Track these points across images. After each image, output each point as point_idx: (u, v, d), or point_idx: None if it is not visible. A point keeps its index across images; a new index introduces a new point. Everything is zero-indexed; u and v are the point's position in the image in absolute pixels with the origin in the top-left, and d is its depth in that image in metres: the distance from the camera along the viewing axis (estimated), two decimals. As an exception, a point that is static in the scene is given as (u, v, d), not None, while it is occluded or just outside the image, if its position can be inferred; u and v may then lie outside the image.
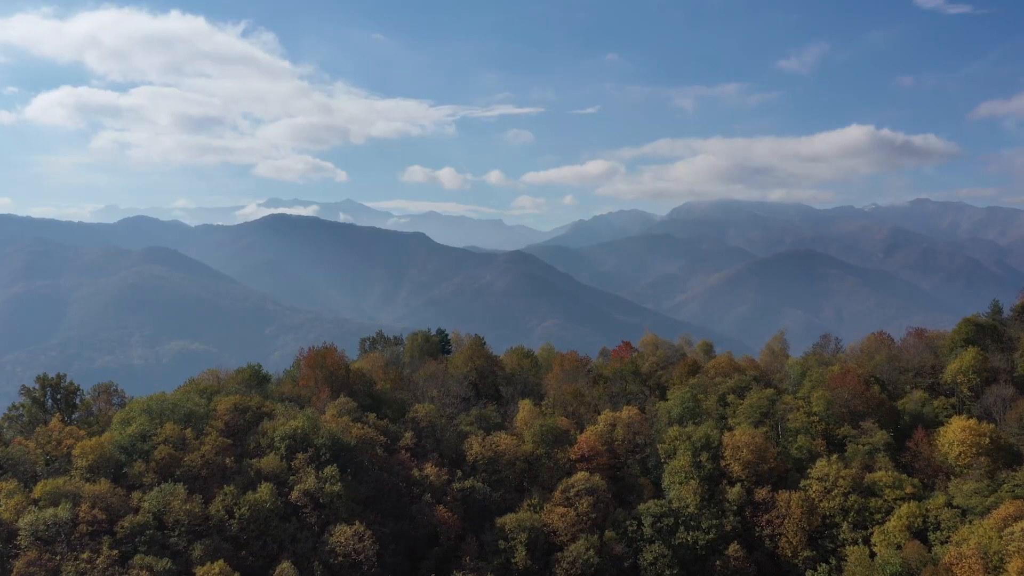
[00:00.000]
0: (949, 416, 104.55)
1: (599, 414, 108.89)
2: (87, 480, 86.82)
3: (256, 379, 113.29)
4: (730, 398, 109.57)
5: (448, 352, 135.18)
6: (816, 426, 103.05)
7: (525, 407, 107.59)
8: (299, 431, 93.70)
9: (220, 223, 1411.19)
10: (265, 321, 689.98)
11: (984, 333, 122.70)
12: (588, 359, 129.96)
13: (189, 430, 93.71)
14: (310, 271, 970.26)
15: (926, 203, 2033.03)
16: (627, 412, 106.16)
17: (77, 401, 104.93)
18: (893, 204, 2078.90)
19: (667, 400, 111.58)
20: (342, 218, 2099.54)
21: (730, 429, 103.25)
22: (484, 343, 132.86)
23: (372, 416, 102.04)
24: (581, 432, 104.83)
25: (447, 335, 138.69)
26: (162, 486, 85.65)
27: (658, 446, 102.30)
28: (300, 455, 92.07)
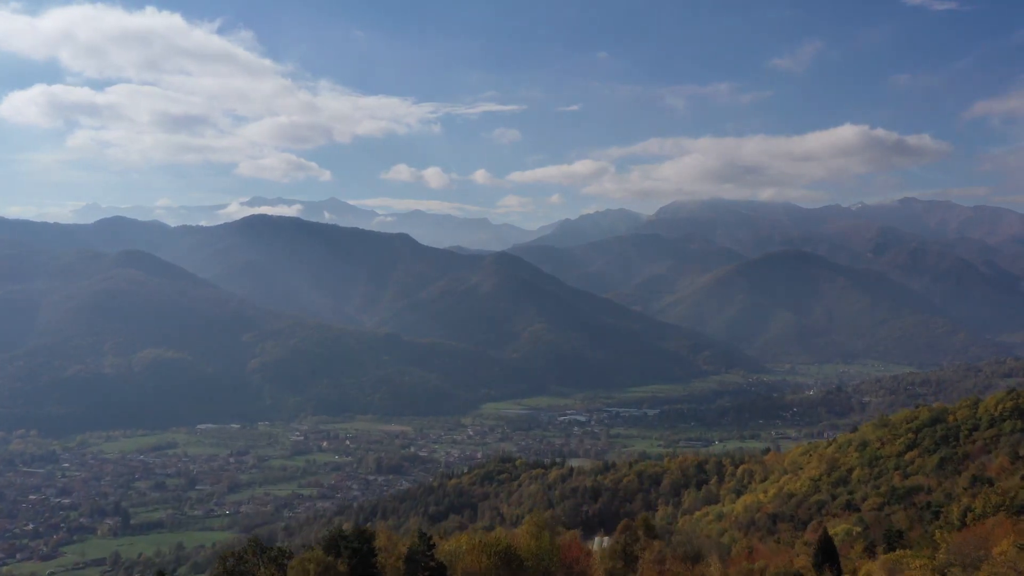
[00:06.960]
0: None
1: None
2: None
3: None
4: None
5: (373, 570, 63.95)
6: None
7: None
8: None
9: (203, 222, 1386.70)
10: (244, 327, 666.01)
11: None
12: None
13: None
14: (291, 273, 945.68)
15: (913, 202, 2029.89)
16: None
17: None
18: (880, 203, 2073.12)
19: None
20: (327, 217, 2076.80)
21: None
22: (432, 545, 67.61)
23: None
24: None
25: (371, 541, 64.92)
26: None
27: None
28: None
